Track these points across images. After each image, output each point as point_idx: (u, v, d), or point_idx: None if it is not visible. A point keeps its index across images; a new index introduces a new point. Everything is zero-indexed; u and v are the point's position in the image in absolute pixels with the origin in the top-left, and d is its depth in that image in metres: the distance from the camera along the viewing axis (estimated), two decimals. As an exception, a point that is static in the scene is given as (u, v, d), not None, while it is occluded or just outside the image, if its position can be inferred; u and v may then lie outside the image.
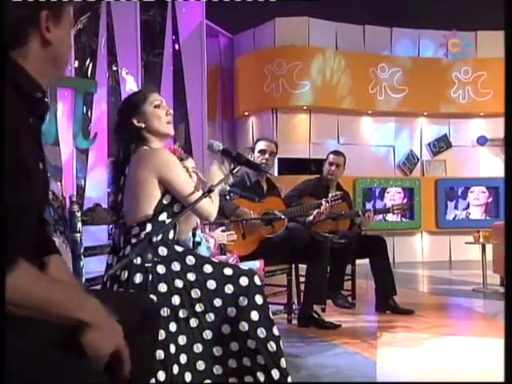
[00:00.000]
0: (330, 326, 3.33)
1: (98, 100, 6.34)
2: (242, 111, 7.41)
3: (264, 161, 3.42)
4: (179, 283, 1.75)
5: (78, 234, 1.76)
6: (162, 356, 1.68)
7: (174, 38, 6.77)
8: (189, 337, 1.75)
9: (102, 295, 1.10)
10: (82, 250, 1.76)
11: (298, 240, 3.17)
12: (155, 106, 1.91)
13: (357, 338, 3.11)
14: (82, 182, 6.16)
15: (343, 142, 7.29)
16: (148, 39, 7.03)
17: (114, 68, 7.15)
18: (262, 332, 1.78)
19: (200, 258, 1.84)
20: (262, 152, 3.44)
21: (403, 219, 7.22)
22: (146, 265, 1.51)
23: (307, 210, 3.40)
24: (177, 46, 6.78)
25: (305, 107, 7.07)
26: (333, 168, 3.94)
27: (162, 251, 1.77)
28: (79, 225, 1.76)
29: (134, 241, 1.74)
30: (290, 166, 6.95)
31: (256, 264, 2.58)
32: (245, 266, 2.46)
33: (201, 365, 1.76)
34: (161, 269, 1.75)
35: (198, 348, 1.76)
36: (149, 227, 1.76)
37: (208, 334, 1.77)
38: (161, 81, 6.68)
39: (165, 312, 1.71)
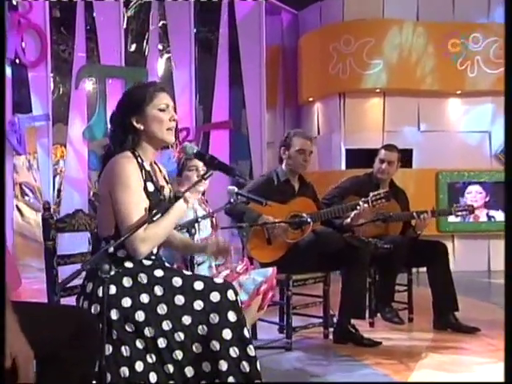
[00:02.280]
0: (368, 344, 3.33)
1: (149, 90, 6.71)
2: (305, 97, 7.43)
3: (303, 162, 3.47)
4: (145, 298, 1.85)
5: (51, 242, 1.96)
6: (127, 374, 1.80)
7: (229, 16, 6.96)
8: (158, 357, 1.84)
9: (29, 309, 1.28)
10: (56, 258, 1.96)
11: (326, 245, 3.20)
12: (160, 110, 1.99)
13: (395, 359, 3.10)
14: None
15: (425, 128, 7.06)
16: (202, 22, 7.31)
17: (167, 55, 7.53)
18: (234, 352, 1.85)
19: (169, 271, 1.95)
20: (301, 152, 3.48)
21: (497, 219, 6.86)
22: (103, 276, 1.67)
23: (342, 211, 3.41)
24: (233, 26, 6.96)
25: (377, 90, 6.93)
26: (384, 166, 3.89)
27: (128, 264, 1.89)
28: (52, 232, 1.96)
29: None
30: (360, 157, 6.85)
31: (268, 271, 2.67)
32: (256, 273, 2.58)
33: None
34: (127, 281, 1.87)
35: (168, 369, 1.84)
36: (113, 243, 1.86)
37: (178, 355, 1.85)
38: (216, 65, 6.92)
39: (129, 327, 1.83)
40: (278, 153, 3.56)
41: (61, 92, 7.49)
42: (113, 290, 1.86)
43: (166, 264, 2.07)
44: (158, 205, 1.89)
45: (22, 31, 6.05)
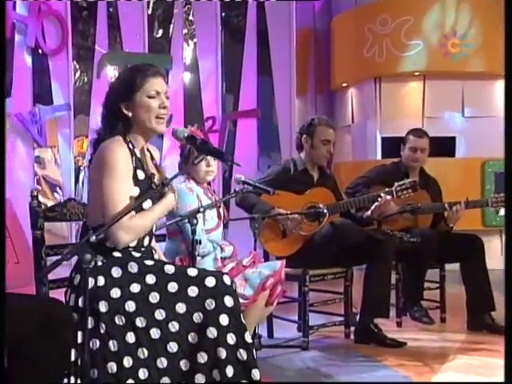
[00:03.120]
0: (392, 344, 3.27)
1: (174, 78, 6.75)
2: (339, 82, 7.33)
3: (327, 154, 3.42)
4: (135, 287, 1.86)
5: (39, 232, 2.00)
6: (115, 369, 1.81)
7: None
8: (151, 350, 1.83)
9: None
10: (45, 249, 1.99)
11: (344, 238, 3.14)
12: (149, 97, 1.97)
13: (419, 361, 3.03)
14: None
15: (470, 114, 6.85)
16: (229, 5, 7.29)
17: (192, 41, 7.56)
18: (231, 338, 1.85)
19: (159, 260, 1.97)
20: (325, 142, 3.42)
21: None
22: (84, 266, 1.69)
23: (362, 202, 3.35)
24: (262, 9, 6.92)
25: (417, 73, 6.76)
26: (417, 154, 3.80)
27: (117, 253, 1.91)
28: (40, 221, 1.99)
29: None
30: (398, 146, 6.71)
31: (276, 264, 2.65)
32: (263, 266, 2.56)
33: (166, 381, 1.84)
34: (116, 272, 1.88)
35: (161, 363, 1.84)
36: (102, 233, 1.86)
37: (173, 347, 1.85)
38: (243, 50, 6.90)
39: (119, 320, 1.83)
40: (298, 140, 3.50)
41: (82, 81, 7.62)
42: (101, 281, 1.87)
43: (156, 256, 2.07)
44: (147, 193, 1.90)
45: (42, 18, 6.18)
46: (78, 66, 7.43)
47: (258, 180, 3.41)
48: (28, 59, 6.12)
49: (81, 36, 6.89)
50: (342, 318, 3.47)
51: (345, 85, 7.30)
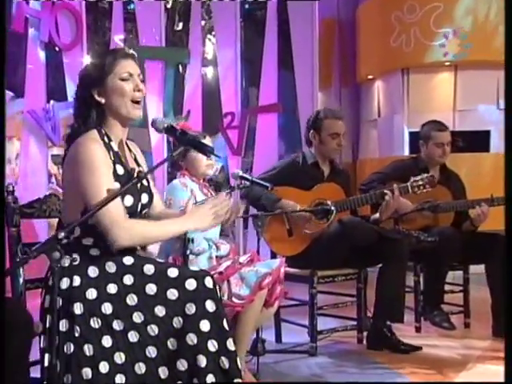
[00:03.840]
0: (406, 350, 3.17)
1: (192, 72, 6.73)
2: (364, 74, 7.20)
3: (337, 147, 3.33)
4: (112, 288, 1.82)
5: (15, 229, 1.97)
6: (90, 375, 1.77)
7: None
8: (129, 354, 1.79)
9: None
10: (21, 247, 1.97)
11: (353, 237, 3.05)
12: (122, 79, 1.93)
13: (435, 368, 2.92)
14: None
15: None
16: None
17: (210, 34, 7.54)
18: (213, 345, 1.79)
19: (140, 258, 1.91)
20: (334, 136, 3.33)
21: None
22: (53, 265, 1.65)
23: (371, 199, 3.24)
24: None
25: (447, 63, 6.58)
26: (445, 149, 3.68)
27: (94, 252, 1.87)
28: (16, 218, 1.97)
29: (64, 241, 1.88)
30: (427, 141, 6.58)
31: (274, 262, 2.58)
32: (261, 265, 2.50)
33: None
34: (93, 271, 1.84)
35: (140, 368, 1.80)
36: (78, 231, 1.87)
37: (152, 352, 1.80)
38: (263, 43, 6.84)
39: (95, 323, 1.79)
40: (306, 135, 3.43)
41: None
42: (77, 281, 1.84)
43: (139, 253, 2.03)
44: (126, 188, 1.84)
45: (56, 12, 6.23)
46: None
47: (264, 172, 3.37)
48: (41, 54, 6.17)
49: (96, 30, 6.94)
50: (354, 323, 3.38)
51: (370, 77, 7.17)
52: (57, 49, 6.38)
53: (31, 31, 6.16)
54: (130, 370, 1.81)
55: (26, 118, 5.96)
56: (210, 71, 7.31)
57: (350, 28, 7.39)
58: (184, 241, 2.40)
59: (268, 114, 6.68)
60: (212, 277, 1.87)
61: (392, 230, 3.34)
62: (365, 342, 3.32)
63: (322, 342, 3.29)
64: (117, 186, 1.88)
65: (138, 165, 2.07)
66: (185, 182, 2.64)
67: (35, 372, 1.89)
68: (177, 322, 1.81)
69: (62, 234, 1.68)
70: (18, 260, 1.56)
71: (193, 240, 2.48)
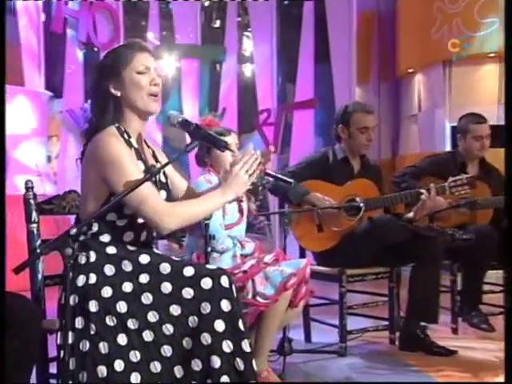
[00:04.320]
0: (440, 352, 3.07)
1: (228, 69, 6.75)
2: (404, 68, 7.04)
3: (367, 142, 3.27)
4: (128, 287, 1.81)
5: (34, 225, 1.99)
6: (105, 373, 1.76)
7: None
8: (144, 353, 1.78)
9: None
10: (40, 243, 1.99)
11: (383, 235, 2.97)
12: (138, 72, 1.91)
13: (469, 371, 2.82)
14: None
15: (554, 98, 6.40)
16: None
17: (246, 30, 7.52)
18: (228, 346, 1.77)
19: (156, 257, 1.90)
20: (363, 130, 3.25)
21: None
22: (66, 261, 1.66)
23: (405, 198, 3.15)
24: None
25: (492, 54, 6.38)
26: (484, 142, 3.57)
27: (111, 250, 1.86)
28: (34, 214, 1.99)
29: (81, 238, 1.88)
30: (470, 136, 6.39)
31: (300, 262, 2.53)
32: (287, 264, 2.47)
33: None
34: (109, 269, 1.83)
35: (155, 367, 1.79)
36: (95, 227, 1.87)
37: (167, 351, 1.79)
38: (299, 38, 6.79)
39: (110, 321, 1.79)
40: (334, 130, 3.37)
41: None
42: (93, 279, 1.83)
43: (156, 250, 2.02)
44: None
45: (93, 12, 6.35)
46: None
47: (293, 166, 3.34)
48: (79, 54, 6.31)
49: (132, 29, 7.03)
50: (386, 323, 3.30)
51: (411, 70, 7.02)
52: (95, 48, 6.49)
53: (69, 32, 6.30)
54: (145, 368, 1.80)
55: (65, 117, 6.09)
56: (245, 68, 7.31)
57: (389, 20, 7.26)
58: (205, 238, 2.38)
59: (304, 110, 6.64)
60: (229, 276, 1.83)
61: (426, 228, 3.24)
62: (397, 343, 3.24)
63: (352, 343, 3.23)
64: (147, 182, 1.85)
65: (157, 160, 2.06)
66: (210, 179, 2.62)
67: (53, 368, 1.91)
68: (192, 321, 1.79)
69: (74, 230, 1.70)
70: (30, 257, 1.57)
71: (214, 237, 2.47)
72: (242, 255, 2.60)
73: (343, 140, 3.32)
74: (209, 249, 2.40)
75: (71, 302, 1.82)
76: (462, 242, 3.23)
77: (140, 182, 1.77)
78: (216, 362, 1.76)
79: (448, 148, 6.46)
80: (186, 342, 1.79)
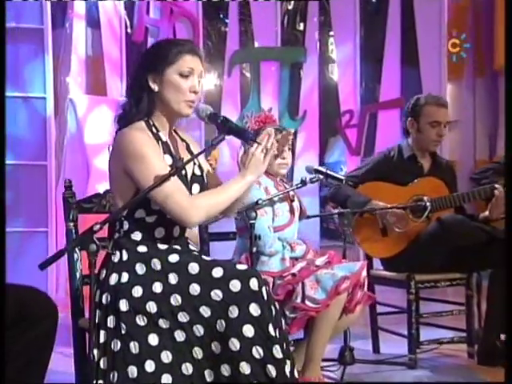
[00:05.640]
0: (523, 368, 2.83)
1: (308, 71, 6.69)
2: (500, 62, 6.65)
3: (437, 138, 3.10)
4: (158, 287, 1.81)
5: (72, 224, 2.05)
6: (135, 374, 1.77)
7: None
8: (176, 354, 1.78)
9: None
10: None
11: (453, 237, 2.80)
12: (181, 75, 1.91)
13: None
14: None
15: None
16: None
17: (327, 29, 7.44)
18: (257, 352, 1.74)
19: (186, 256, 1.89)
20: (434, 124, 3.08)
21: None
22: (90, 258, 1.68)
23: (479, 195, 2.95)
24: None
25: None
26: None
27: (142, 248, 1.87)
28: (73, 212, 2.05)
29: (116, 236, 1.92)
30: None
31: (355, 265, 2.44)
32: (340, 267, 2.39)
33: None
34: (140, 268, 1.85)
35: (187, 369, 1.78)
36: (126, 225, 1.89)
37: (198, 353, 1.77)
38: (385, 34, 6.61)
39: (141, 321, 1.80)
40: (404, 123, 3.23)
41: (212, 81, 7.89)
42: (125, 277, 1.85)
43: (191, 247, 2.02)
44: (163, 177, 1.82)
45: (174, 20, 6.52)
46: (207, 67, 7.74)
47: (355, 169, 3.25)
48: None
49: (211, 35, 7.15)
50: (463, 334, 3.10)
51: (508, 64, 6.61)
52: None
53: (150, 40, 6.50)
54: (176, 370, 1.79)
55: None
56: (327, 69, 7.22)
57: (486, 11, 6.88)
58: (250, 238, 2.35)
59: (390, 110, 6.43)
60: (258, 277, 1.79)
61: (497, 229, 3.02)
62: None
63: (425, 355, 3.08)
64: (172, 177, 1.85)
65: (191, 154, 2.05)
66: (258, 180, 2.58)
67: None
68: (220, 324, 1.76)
69: (97, 226, 1.72)
70: (54, 254, 1.61)
71: (260, 237, 2.43)
72: (291, 258, 2.53)
73: (412, 135, 3.18)
74: (254, 249, 2.36)
75: (103, 301, 1.86)
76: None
77: (164, 178, 1.77)
78: (246, 368, 1.73)
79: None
80: (215, 346, 1.77)
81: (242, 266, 1.85)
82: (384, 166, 3.13)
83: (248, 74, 6.79)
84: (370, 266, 3.21)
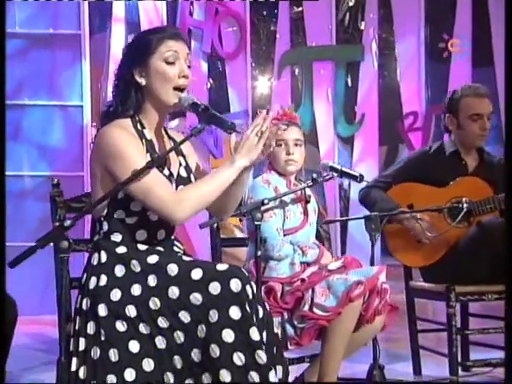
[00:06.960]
0: None
1: (366, 70, 6.64)
2: None
3: (481, 132, 3.03)
4: (136, 289, 1.84)
5: (58, 223, 2.12)
6: (114, 381, 1.80)
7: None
8: (157, 362, 1.80)
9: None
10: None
11: (493, 243, 2.69)
12: (166, 62, 1.93)
13: None
14: (346, 181, 6.54)
15: None
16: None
17: (387, 24, 7.35)
18: (239, 358, 1.74)
19: (165, 256, 1.91)
20: (475, 117, 3.02)
21: None
22: (61, 255, 1.75)
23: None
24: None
25: None
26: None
27: (121, 249, 1.91)
28: (60, 212, 2.12)
29: (96, 237, 1.98)
30: None
31: (371, 270, 2.40)
32: (355, 272, 2.38)
33: None
34: (119, 270, 1.88)
35: (168, 379, 1.80)
36: (105, 226, 1.94)
37: (177, 362, 1.80)
38: (452, 29, 6.50)
39: (121, 326, 1.83)
40: (443, 121, 3.16)
41: (261, 84, 7.94)
42: (103, 280, 1.88)
43: (176, 248, 2.05)
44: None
45: (219, 21, 6.65)
46: (256, 69, 7.81)
47: (391, 168, 3.22)
48: (204, 66, 6.63)
49: (260, 36, 7.21)
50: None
51: None
52: (219, 58, 6.79)
53: (193, 43, 6.66)
54: (159, 379, 1.81)
55: (188, 133, 6.41)
56: (387, 68, 7.13)
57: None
58: (256, 241, 2.36)
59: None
60: (241, 278, 1.79)
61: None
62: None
63: (473, 378, 2.97)
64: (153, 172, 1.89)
65: (180, 153, 2.09)
66: (268, 179, 2.58)
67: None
68: (200, 330, 1.77)
69: (68, 222, 1.79)
70: (24, 251, 1.68)
71: (266, 240, 2.44)
72: (302, 263, 2.52)
73: (453, 132, 3.11)
74: (259, 253, 2.37)
75: (84, 307, 1.90)
76: None
77: (140, 170, 1.82)
78: (226, 376, 1.74)
79: None
80: (195, 355, 1.79)
81: (222, 266, 1.84)
82: (421, 164, 3.07)
83: (300, 77, 6.81)
84: (409, 277, 3.16)
